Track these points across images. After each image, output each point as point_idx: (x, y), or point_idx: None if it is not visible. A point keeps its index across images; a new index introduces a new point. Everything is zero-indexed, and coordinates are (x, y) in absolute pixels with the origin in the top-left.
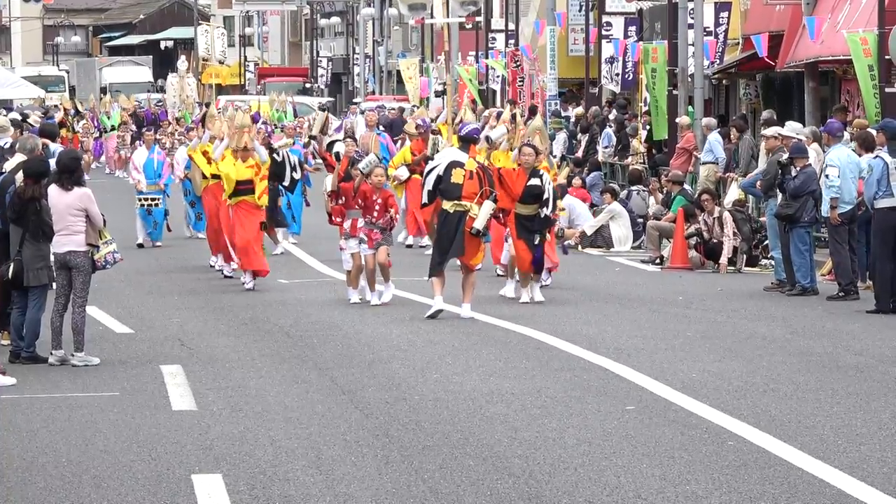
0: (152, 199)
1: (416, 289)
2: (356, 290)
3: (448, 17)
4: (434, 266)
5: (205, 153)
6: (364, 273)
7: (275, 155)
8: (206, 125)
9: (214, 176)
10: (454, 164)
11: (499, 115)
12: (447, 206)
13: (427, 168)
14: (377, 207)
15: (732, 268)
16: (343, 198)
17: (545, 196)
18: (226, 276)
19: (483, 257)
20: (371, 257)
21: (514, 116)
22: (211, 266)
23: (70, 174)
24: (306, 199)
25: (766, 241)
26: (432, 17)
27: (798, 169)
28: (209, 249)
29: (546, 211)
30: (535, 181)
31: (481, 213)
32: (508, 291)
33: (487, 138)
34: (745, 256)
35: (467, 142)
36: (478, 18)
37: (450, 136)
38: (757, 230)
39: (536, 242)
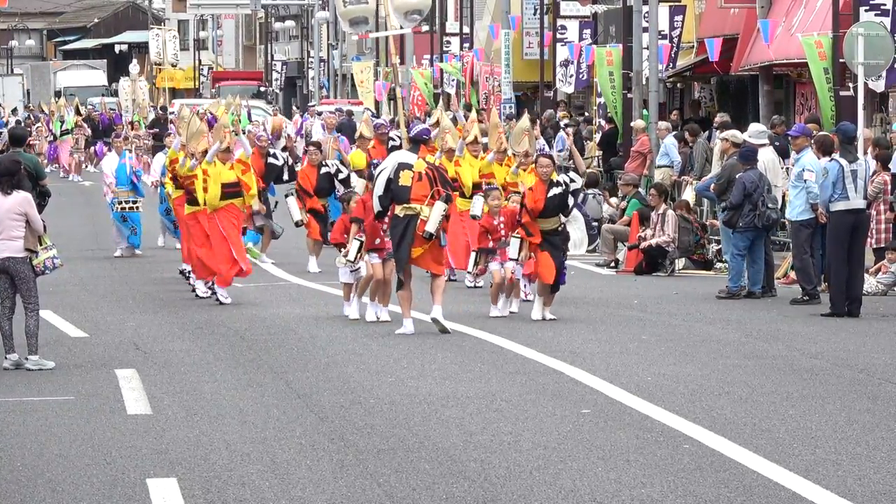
0: (126, 203)
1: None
2: (373, 304)
3: (390, 29)
4: (398, 280)
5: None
6: (371, 284)
7: (272, 159)
8: (191, 139)
9: (192, 202)
10: (402, 167)
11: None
12: (398, 210)
13: (376, 172)
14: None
15: (663, 273)
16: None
17: (570, 204)
18: (198, 297)
19: (447, 262)
20: (379, 266)
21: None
22: (187, 280)
23: (10, 177)
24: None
25: (719, 246)
26: (377, 30)
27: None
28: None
29: (570, 205)
30: (555, 190)
31: (432, 215)
32: (493, 312)
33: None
34: (678, 263)
35: (417, 143)
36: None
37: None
38: (698, 238)
39: (564, 259)
